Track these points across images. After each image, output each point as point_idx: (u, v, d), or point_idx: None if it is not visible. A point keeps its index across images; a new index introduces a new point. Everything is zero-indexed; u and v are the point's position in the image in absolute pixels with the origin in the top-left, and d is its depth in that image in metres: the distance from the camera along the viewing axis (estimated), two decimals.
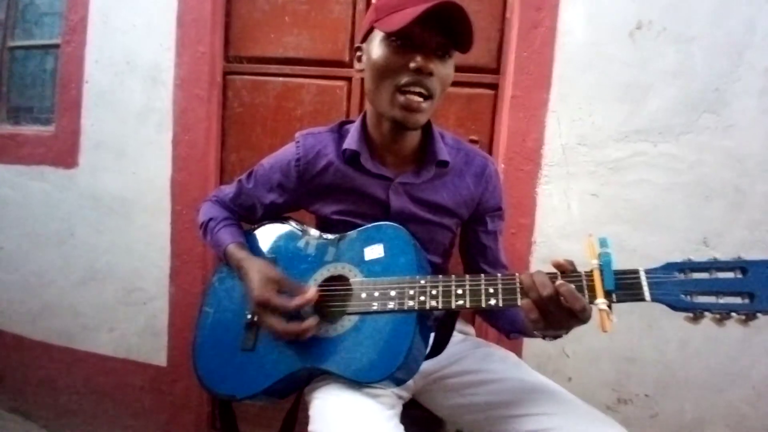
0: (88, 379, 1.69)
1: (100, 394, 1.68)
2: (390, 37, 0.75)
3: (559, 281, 0.63)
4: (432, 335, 0.85)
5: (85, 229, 1.65)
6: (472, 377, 0.85)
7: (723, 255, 0.63)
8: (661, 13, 1.25)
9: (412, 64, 0.74)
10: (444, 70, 0.78)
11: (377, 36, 0.78)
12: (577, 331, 0.63)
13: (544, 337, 0.73)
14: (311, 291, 0.79)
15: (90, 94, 1.60)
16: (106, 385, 1.67)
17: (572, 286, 0.62)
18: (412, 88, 0.75)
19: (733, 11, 1.22)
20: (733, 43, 1.22)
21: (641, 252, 1.26)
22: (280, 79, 1.53)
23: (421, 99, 0.76)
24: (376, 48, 0.78)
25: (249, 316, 0.85)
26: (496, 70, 1.40)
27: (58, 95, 1.64)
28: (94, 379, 1.68)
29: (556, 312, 0.62)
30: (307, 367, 0.77)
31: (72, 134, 1.62)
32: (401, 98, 0.76)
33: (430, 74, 0.75)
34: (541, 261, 1.33)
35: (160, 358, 1.61)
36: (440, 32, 0.74)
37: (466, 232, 0.94)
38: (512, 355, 0.92)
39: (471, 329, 1.03)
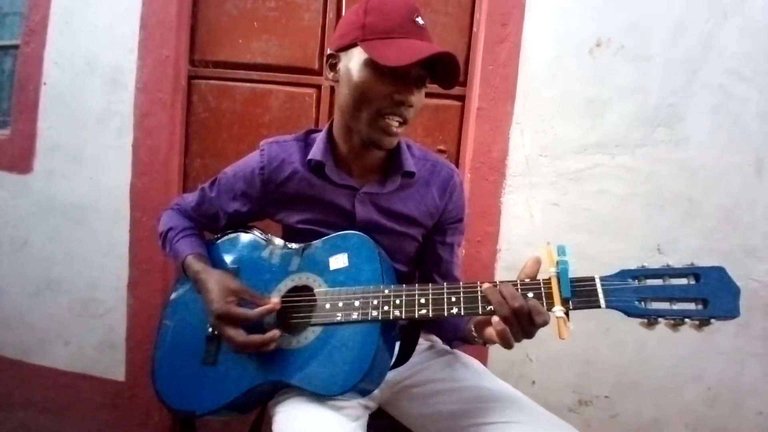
0: (44, 394, 1.61)
1: (57, 411, 1.60)
2: (375, 63, 0.75)
3: (528, 297, 0.65)
4: (398, 344, 0.85)
5: (39, 237, 1.58)
6: (437, 386, 0.86)
7: (676, 262, 0.65)
8: (619, 31, 1.30)
9: (396, 96, 0.76)
10: (420, 97, 0.81)
11: (360, 56, 0.77)
12: (540, 336, 0.64)
13: (484, 344, 0.76)
14: (273, 300, 0.78)
15: (48, 96, 1.53)
16: (63, 400, 1.60)
17: (536, 302, 0.64)
18: (391, 116, 0.78)
19: (689, 30, 1.28)
20: (689, 60, 1.29)
21: (600, 259, 1.30)
22: (248, 84, 1.51)
23: (397, 124, 0.79)
24: (358, 69, 0.77)
25: (210, 330, 0.82)
26: (463, 82, 1.43)
27: (14, 97, 1.57)
28: (51, 395, 1.60)
29: (523, 322, 0.63)
30: (269, 380, 0.76)
31: (27, 138, 1.55)
32: (381, 122, 0.78)
33: (411, 105, 0.78)
34: (505, 268, 1.36)
35: (118, 373, 1.56)
36: (423, 65, 0.76)
37: (424, 241, 0.94)
38: (476, 362, 0.93)
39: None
